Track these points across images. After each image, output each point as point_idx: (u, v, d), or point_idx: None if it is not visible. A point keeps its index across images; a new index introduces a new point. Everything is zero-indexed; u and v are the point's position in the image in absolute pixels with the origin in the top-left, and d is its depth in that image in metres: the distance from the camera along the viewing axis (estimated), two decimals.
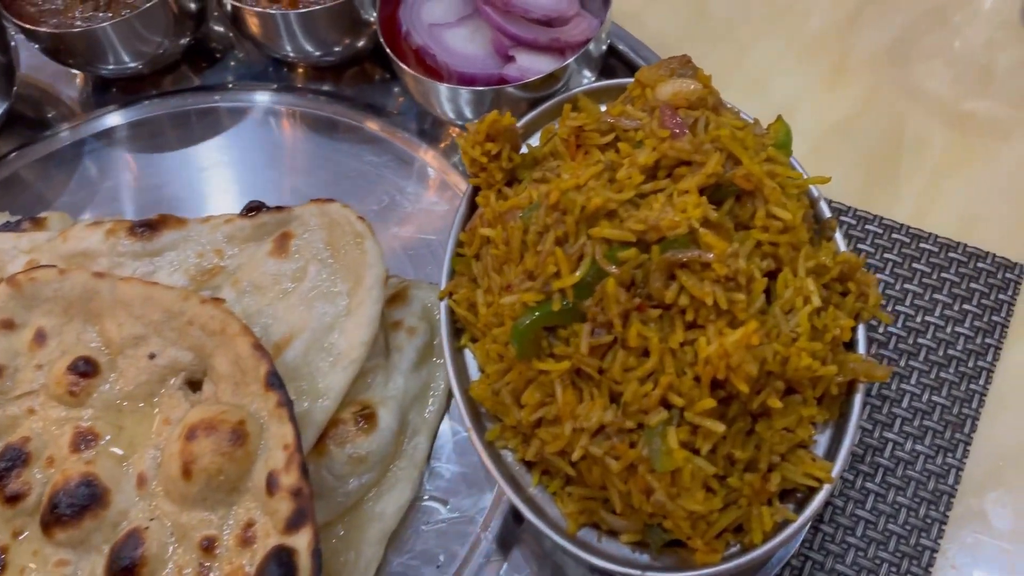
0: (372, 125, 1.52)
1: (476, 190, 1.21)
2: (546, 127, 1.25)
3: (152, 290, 1.13)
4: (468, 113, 1.36)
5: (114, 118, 1.56)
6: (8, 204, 1.46)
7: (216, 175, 1.48)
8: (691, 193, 0.97)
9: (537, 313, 0.96)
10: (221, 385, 1.08)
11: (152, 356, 1.12)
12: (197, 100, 1.57)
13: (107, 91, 1.60)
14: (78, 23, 1.44)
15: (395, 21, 1.43)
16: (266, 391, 1.03)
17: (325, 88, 1.58)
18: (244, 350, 1.06)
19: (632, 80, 1.28)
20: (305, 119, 1.54)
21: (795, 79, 1.50)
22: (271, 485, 0.98)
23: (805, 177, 1.12)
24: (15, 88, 1.52)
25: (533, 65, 1.35)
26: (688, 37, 1.58)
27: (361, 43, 1.50)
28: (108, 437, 1.09)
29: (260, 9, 1.41)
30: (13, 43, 1.50)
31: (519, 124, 1.26)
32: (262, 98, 1.57)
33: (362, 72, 1.59)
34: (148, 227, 1.23)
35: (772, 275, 0.99)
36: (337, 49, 1.49)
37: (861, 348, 1.02)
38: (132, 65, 1.51)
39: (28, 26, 1.43)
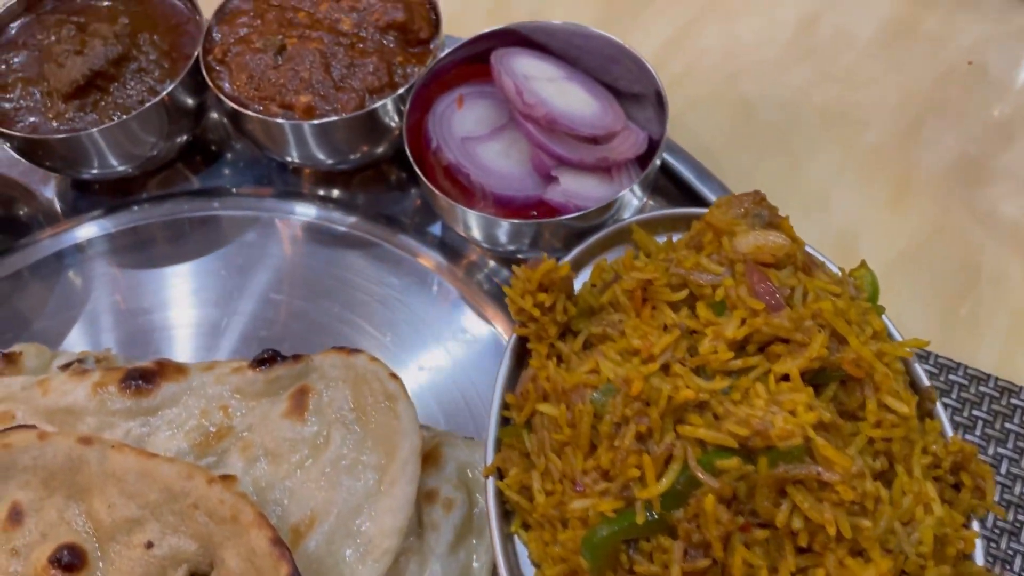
0: (389, 239, 1.39)
1: (521, 339, 1.09)
2: (598, 263, 1.13)
3: (149, 464, 0.99)
4: (505, 241, 1.23)
5: (98, 225, 1.42)
6: None
7: (213, 296, 1.33)
8: (794, 383, 0.85)
9: (616, 526, 0.83)
10: None
11: (149, 545, 0.97)
12: (193, 207, 1.44)
13: (90, 191, 1.46)
14: (59, 124, 1.30)
15: (421, 128, 1.31)
16: None
17: (334, 194, 1.45)
18: (260, 545, 0.92)
19: (693, 210, 1.18)
20: (313, 231, 1.41)
21: (856, 197, 1.40)
22: None
23: (900, 340, 1.02)
24: None
25: (579, 188, 1.23)
26: (735, 144, 1.47)
27: (380, 150, 1.37)
28: None
29: (266, 118, 1.27)
30: None
31: (568, 258, 1.14)
32: (265, 205, 1.43)
33: (378, 175, 1.46)
34: (143, 378, 1.08)
35: (880, 474, 0.87)
36: (353, 157, 1.36)
37: (979, 558, 0.90)
38: (120, 168, 1.37)
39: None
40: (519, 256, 1.31)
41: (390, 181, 1.46)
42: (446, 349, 1.27)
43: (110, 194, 1.45)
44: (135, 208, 1.44)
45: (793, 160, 1.45)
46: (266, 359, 1.09)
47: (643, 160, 1.28)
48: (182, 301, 1.33)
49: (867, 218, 1.37)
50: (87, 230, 1.41)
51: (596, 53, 1.33)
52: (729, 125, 1.50)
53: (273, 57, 1.30)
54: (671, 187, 1.39)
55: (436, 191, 1.20)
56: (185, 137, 1.40)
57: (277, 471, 1.03)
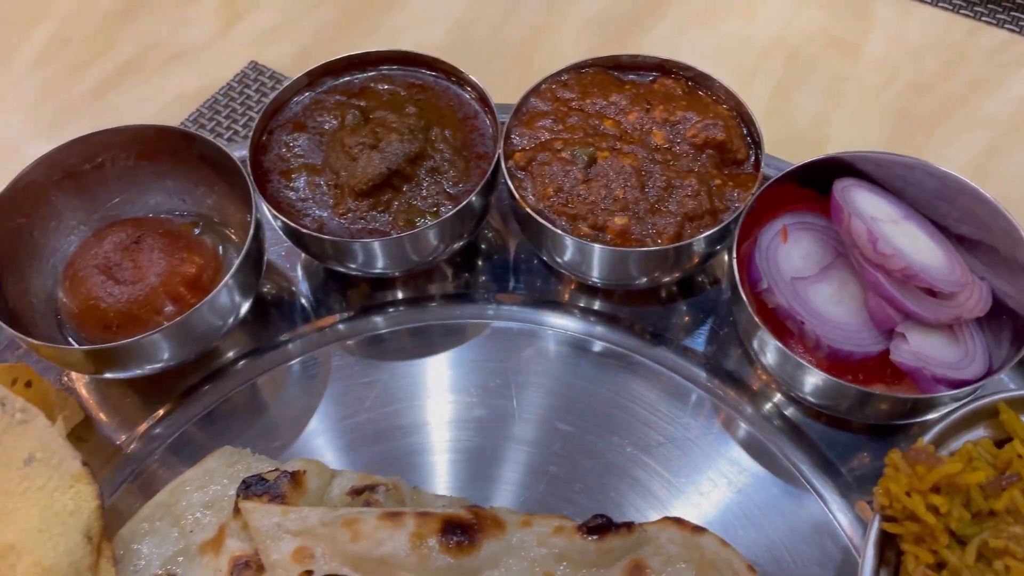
0: (668, 363, 1.29)
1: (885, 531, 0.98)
2: (966, 448, 1.02)
3: None
4: (836, 404, 1.14)
5: (353, 325, 1.35)
6: (239, 432, 1.25)
7: (484, 417, 1.25)
8: None
9: None
10: None
11: None
12: (450, 313, 1.36)
13: (345, 282, 1.40)
14: (347, 223, 1.24)
15: (743, 260, 1.21)
16: None
17: (596, 305, 1.36)
18: None
19: None
20: (583, 348, 1.31)
21: None
22: None
23: None
24: (262, 273, 1.30)
25: (930, 349, 1.12)
26: None
27: (668, 279, 1.28)
28: None
29: (580, 240, 1.18)
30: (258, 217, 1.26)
31: (928, 438, 1.03)
32: (525, 315, 1.35)
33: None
34: (464, 532, 1.00)
35: None
36: (639, 282, 1.27)
37: None
38: (385, 271, 1.31)
39: (289, 222, 1.23)
40: (831, 412, 1.21)
41: (658, 295, 1.37)
42: (754, 508, 1.16)
43: (365, 285, 1.39)
44: (391, 310, 1.37)
45: None
46: (600, 527, 1.00)
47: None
48: (450, 420, 1.25)
49: None
50: (343, 329, 1.35)
51: (918, 186, 1.23)
52: None
53: (583, 170, 1.23)
54: None
55: (789, 351, 1.11)
56: (464, 241, 1.33)
57: None
